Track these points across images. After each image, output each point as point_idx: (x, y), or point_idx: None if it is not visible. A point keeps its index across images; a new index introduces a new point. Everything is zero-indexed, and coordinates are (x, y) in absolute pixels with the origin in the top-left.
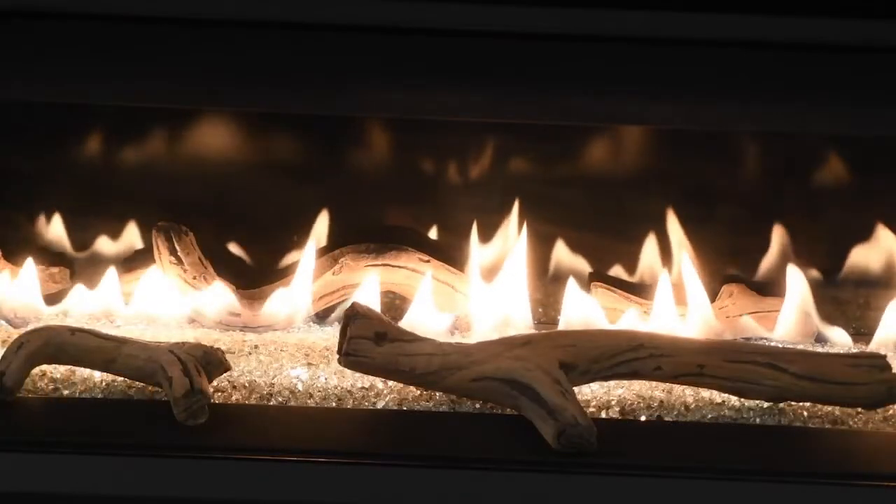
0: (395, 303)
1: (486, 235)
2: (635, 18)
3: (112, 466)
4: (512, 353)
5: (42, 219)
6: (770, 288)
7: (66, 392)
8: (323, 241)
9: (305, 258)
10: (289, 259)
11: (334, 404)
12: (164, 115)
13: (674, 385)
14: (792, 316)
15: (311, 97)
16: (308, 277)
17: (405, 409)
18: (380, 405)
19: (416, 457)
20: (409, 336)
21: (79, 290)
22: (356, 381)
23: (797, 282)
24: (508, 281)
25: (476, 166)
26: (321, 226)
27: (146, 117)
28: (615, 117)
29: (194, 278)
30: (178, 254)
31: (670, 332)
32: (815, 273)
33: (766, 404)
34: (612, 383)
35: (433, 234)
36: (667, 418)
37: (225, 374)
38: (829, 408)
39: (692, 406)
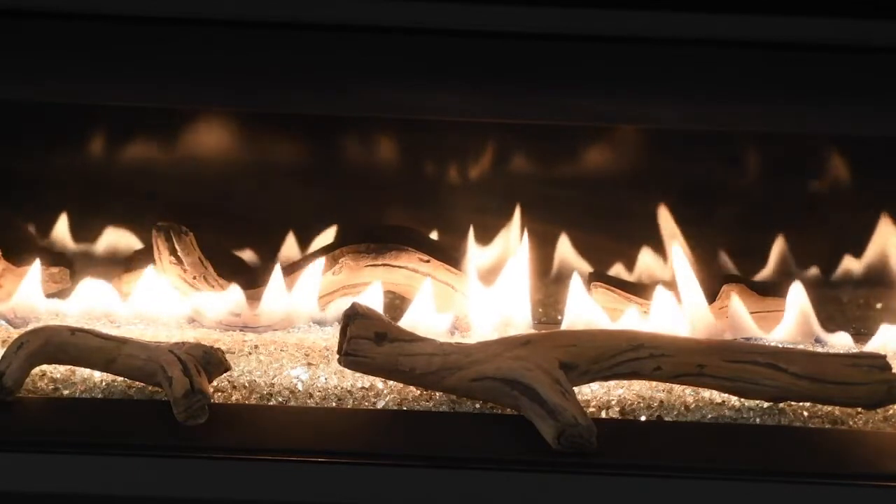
0: (395, 303)
1: (486, 235)
2: (635, 18)
3: (112, 466)
4: (512, 353)
5: (42, 219)
6: (770, 288)
7: (66, 392)
8: (323, 242)
9: (308, 259)
10: (289, 259)
11: (334, 404)
12: (164, 115)
13: (674, 385)
14: (793, 318)
15: (312, 97)
16: (312, 278)
17: (405, 409)
18: (380, 405)
19: (416, 457)
20: (409, 336)
21: (78, 290)
22: (356, 381)
23: (798, 289)
24: (508, 281)
25: (476, 166)
26: (324, 226)
27: (146, 117)
28: (615, 117)
29: (194, 278)
30: (178, 254)
31: (670, 332)
32: (815, 273)
33: (766, 404)
34: (612, 383)
35: (433, 234)
36: (667, 418)
37: (225, 374)
38: (829, 408)
39: (692, 406)
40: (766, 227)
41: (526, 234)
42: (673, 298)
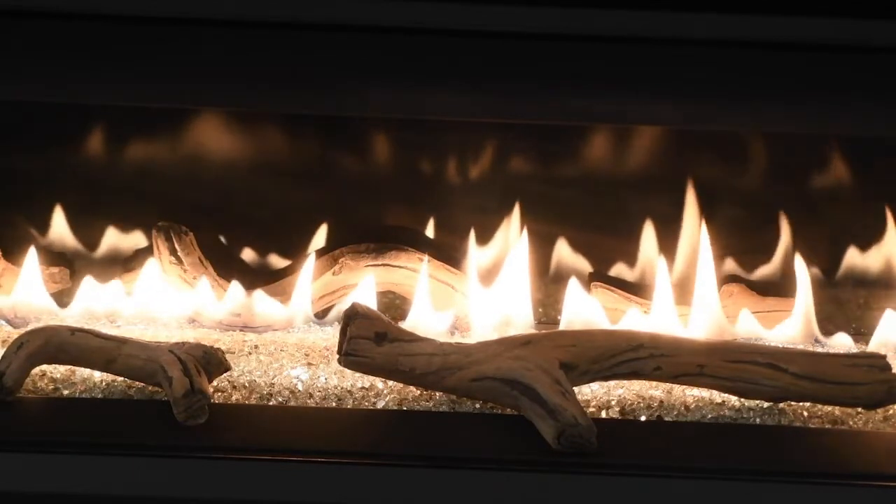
0: (395, 303)
1: (486, 235)
2: (635, 18)
3: (112, 466)
4: (512, 353)
5: (42, 219)
6: (770, 288)
7: (66, 392)
8: (322, 242)
9: (305, 259)
10: (288, 259)
11: (334, 404)
12: (164, 115)
13: (674, 385)
14: (795, 318)
15: (311, 97)
16: (308, 278)
17: (405, 409)
18: (380, 405)
19: (416, 457)
20: (409, 336)
21: (78, 290)
22: (356, 381)
23: (804, 283)
24: (509, 281)
25: (476, 166)
26: (321, 226)
27: (146, 117)
28: (615, 117)
29: (194, 278)
30: (178, 254)
31: (670, 332)
32: (815, 273)
33: (766, 404)
34: (612, 383)
35: (432, 233)
36: (667, 418)
37: (225, 374)
38: (829, 408)
39: (692, 406)
40: (766, 226)
41: (525, 231)
42: (671, 295)
